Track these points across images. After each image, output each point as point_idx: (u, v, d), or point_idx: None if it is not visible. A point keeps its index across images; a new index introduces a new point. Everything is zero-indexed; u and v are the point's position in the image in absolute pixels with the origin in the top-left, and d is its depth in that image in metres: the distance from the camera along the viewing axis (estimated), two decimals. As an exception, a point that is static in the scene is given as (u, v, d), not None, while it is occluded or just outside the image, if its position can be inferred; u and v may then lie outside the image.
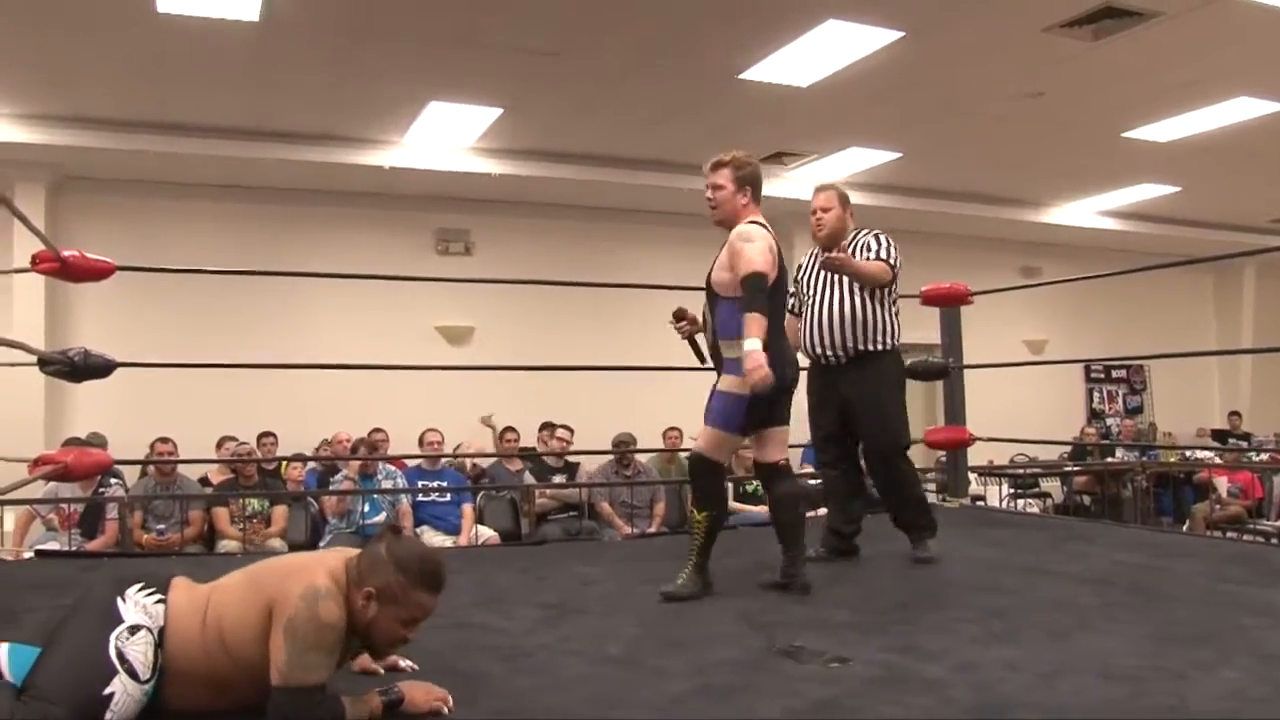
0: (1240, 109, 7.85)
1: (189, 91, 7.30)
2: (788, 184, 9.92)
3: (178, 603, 2.32)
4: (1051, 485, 10.80)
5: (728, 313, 3.75)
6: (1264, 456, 11.08)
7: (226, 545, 6.70)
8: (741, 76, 7.14)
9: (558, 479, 7.79)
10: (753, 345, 3.49)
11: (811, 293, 4.43)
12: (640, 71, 7.15)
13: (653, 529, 7.50)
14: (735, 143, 9.42)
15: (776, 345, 3.68)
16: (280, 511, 7.03)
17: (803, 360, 4.36)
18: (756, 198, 3.92)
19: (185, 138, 8.05)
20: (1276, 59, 6.88)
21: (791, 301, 4.35)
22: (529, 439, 8.62)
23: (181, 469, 7.38)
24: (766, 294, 3.61)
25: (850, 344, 4.35)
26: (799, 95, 7.45)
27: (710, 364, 3.98)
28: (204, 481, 7.70)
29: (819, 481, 4.94)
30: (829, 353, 4.40)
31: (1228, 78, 7.29)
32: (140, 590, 2.32)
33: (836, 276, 4.32)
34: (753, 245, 3.67)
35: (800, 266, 4.53)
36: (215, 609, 2.29)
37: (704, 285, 3.92)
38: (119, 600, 2.28)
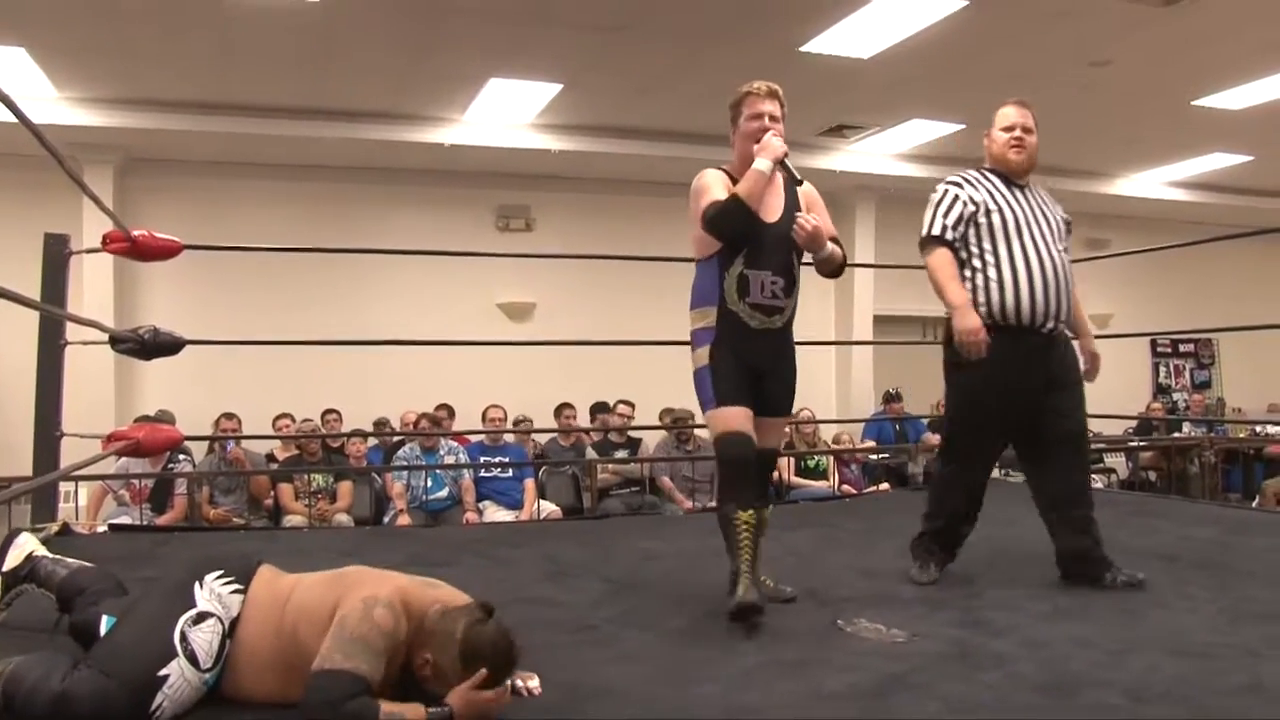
0: (1316, 75, 7.65)
1: (252, 73, 7.40)
2: (849, 157, 9.85)
3: (258, 594, 2.34)
4: (1116, 461, 10.64)
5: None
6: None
7: (293, 520, 6.82)
8: (803, 49, 7.07)
9: (620, 454, 7.83)
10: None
11: (1015, 234, 3.49)
12: (700, 46, 7.11)
13: (714, 503, 7.50)
14: (797, 116, 9.32)
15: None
16: (345, 487, 7.14)
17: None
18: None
19: (248, 118, 8.15)
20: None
21: (953, 237, 3.53)
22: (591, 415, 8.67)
23: (247, 445, 7.54)
24: None
25: (1068, 308, 3.57)
26: (860, 67, 7.37)
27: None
28: (270, 458, 7.84)
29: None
30: (1049, 322, 3.49)
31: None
32: (219, 578, 2.34)
33: (1045, 213, 3.60)
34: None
35: (971, 201, 3.52)
36: (296, 603, 2.30)
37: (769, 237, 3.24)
38: (196, 585, 2.30)
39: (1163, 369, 13.33)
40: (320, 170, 9.37)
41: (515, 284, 9.80)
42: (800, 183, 3.32)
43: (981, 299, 3.46)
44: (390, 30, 6.70)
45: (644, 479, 7.61)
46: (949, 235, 3.52)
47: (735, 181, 3.25)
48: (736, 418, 3.16)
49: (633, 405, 8.45)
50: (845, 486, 7.86)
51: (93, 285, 8.34)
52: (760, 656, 2.70)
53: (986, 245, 3.49)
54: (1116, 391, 11.44)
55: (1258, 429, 10.66)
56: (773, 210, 3.27)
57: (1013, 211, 3.51)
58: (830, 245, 3.29)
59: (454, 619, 2.22)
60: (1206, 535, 4.40)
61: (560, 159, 9.26)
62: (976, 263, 3.50)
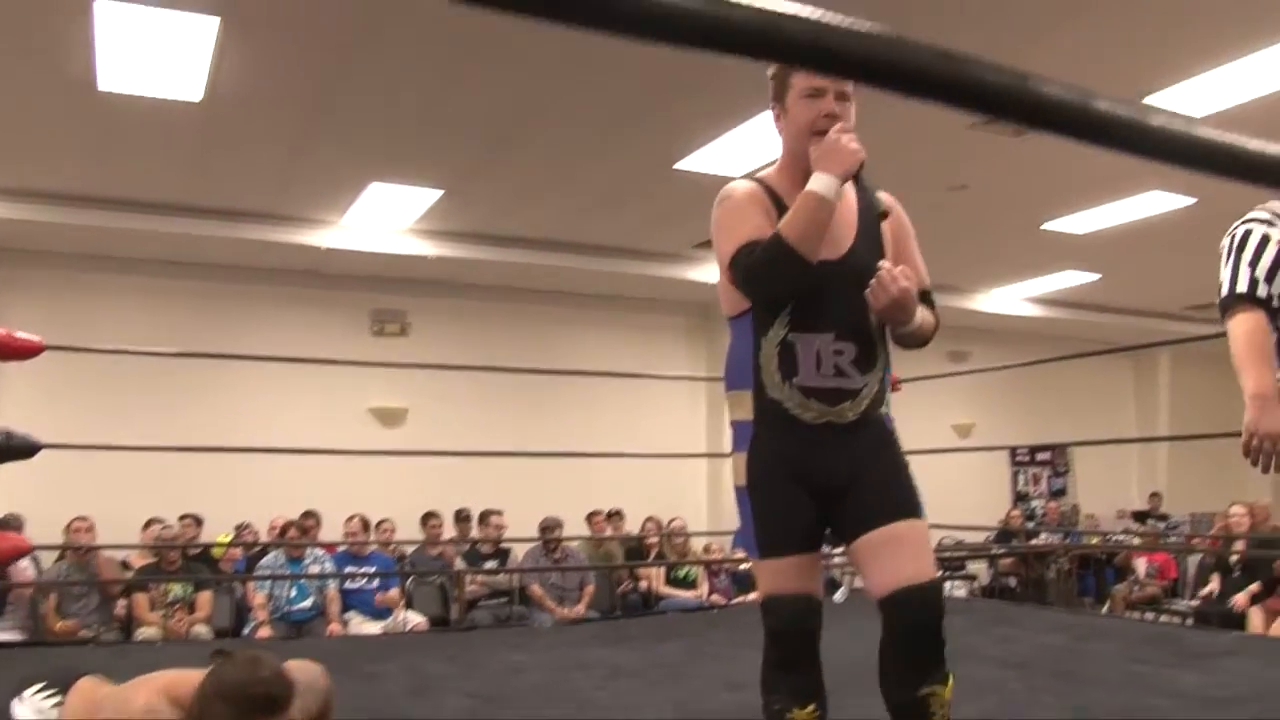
0: (1153, 203, 8.18)
1: (128, 167, 7.29)
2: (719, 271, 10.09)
3: (73, 703, 2.31)
4: (978, 567, 10.94)
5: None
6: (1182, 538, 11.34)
7: (146, 633, 6.53)
8: (677, 166, 7.29)
9: (489, 565, 7.75)
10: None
11: None
12: (580, 158, 7.28)
13: (581, 608, 7.50)
14: (671, 229, 9.62)
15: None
16: (205, 597, 6.89)
17: None
18: None
19: (123, 213, 7.99)
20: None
21: (1267, 294, 2.56)
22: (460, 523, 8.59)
23: (102, 552, 7.24)
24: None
25: None
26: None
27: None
28: (125, 566, 7.54)
29: None
30: None
31: (1140, 173, 7.60)
32: (39, 691, 2.31)
33: None
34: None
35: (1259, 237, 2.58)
36: (107, 711, 2.27)
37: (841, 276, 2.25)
38: (15, 701, 2.28)
39: (1021, 477, 13.81)
40: (195, 268, 9.22)
41: (388, 389, 9.72)
42: (884, 214, 2.33)
43: None
44: (272, 131, 6.71)
45: (513, 590, 7.54)
46: (1261, 291, 2.53)
47: (778, 202, 2.28)
48: (784, 573, 2.24)
49: (502, 514, 8.37)
50: (715, 596, 7.91)
51: (-58, 384, 8.01)
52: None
53: None
54: (979, 499, 11.86)
55: (1109, 535, 11.10)
56: (838, 241, 2.26)
57: None
58: (920, 314, 2.28)
59: (204, 683, 2.17)
60: (1059, 643, 4.56)
61: (438, 265, 9.30)
62: None
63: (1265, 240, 2.54)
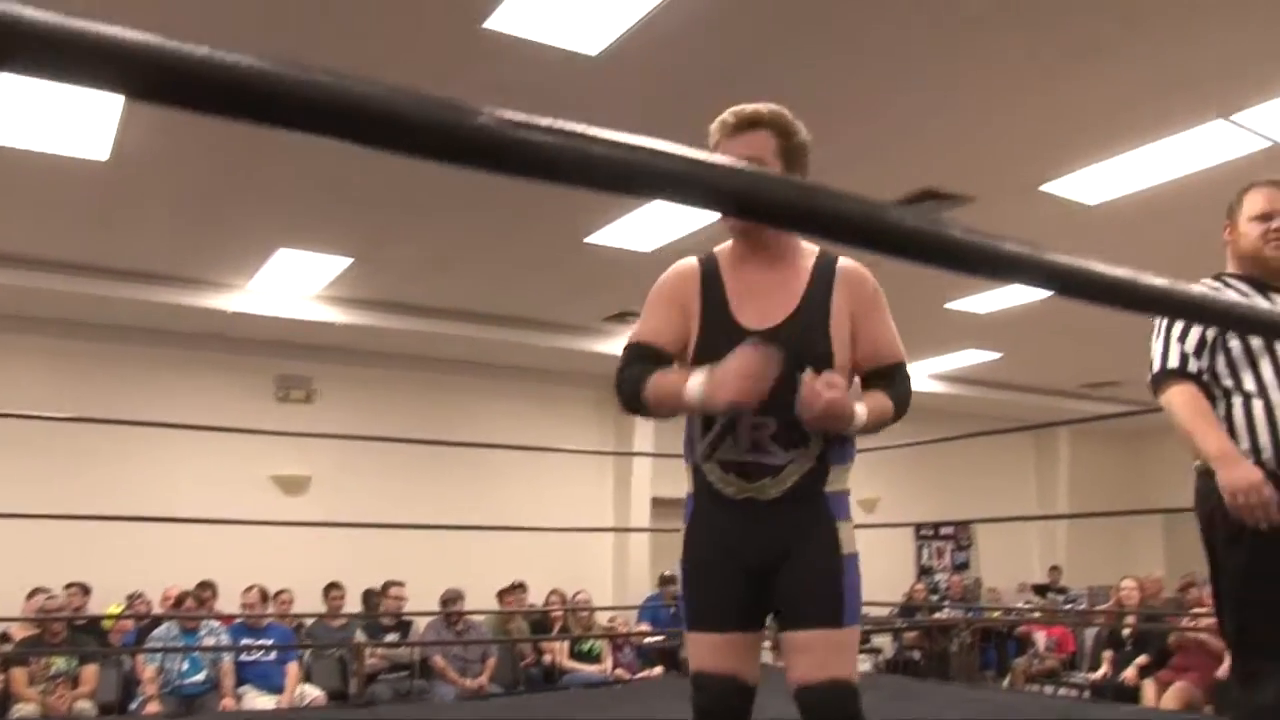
0: (1049, 286, 8.46)
1: (30, 225, 7.11)
2: (634, 343, 10.15)
3: None
4: (882, 640, 11.02)
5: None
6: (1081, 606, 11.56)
7: (23, 710, 6.25)
8: (588, 240, 7.36)
9: (390, 637, 7.61)
10: (861, 412, 2.17)
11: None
12: (491, 230, 7.31)
13: (484, 680, 7.39)
14: (581, 302, 9.62)
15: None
16: (90, 671, 6.64)
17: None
18: None
19: (25, 270, 7.77)
20: (1076, 243, 7.47)
21: (1198, 369, 2.70)
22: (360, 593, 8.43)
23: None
24: None
25: None
26: (643, 260, 7.70)
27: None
28: (3, 638, 7.22)
29: None
30: None
31: (1036, 257, 7.87)
32: None
33: None
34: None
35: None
36: None
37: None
38: None
39: (926, 551, 14.00)
40: (97, 329, 8.98)
41: (292, 456, 9.54)
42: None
43: (1245, 445, 2.58)
44: (179, 194, 6.62)
45: (414, 663, 7.40)
46: (1191, 366, 2.69)
47: (711, 282, 2.26)
48: (709, 649, 2.19)
49: (404, 585, 8.22)
50: (619, 670, 7.85)
51: None
52: None
53: (1245, 375, 2.63)
54: (884, 572, 11.98)
55: (1011, 611, 11.27)
56: (770, 312, 2.22)
57: None
58: (869, 408, 2.18)
59: None
60: (958, 718, 4.60)
61: (346, 332, 9.21)
62: (1235, 399, 2.65)
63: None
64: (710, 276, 2.26)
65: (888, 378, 2.27)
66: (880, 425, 2.20)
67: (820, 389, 2.03)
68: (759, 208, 0.61)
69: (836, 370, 2.15)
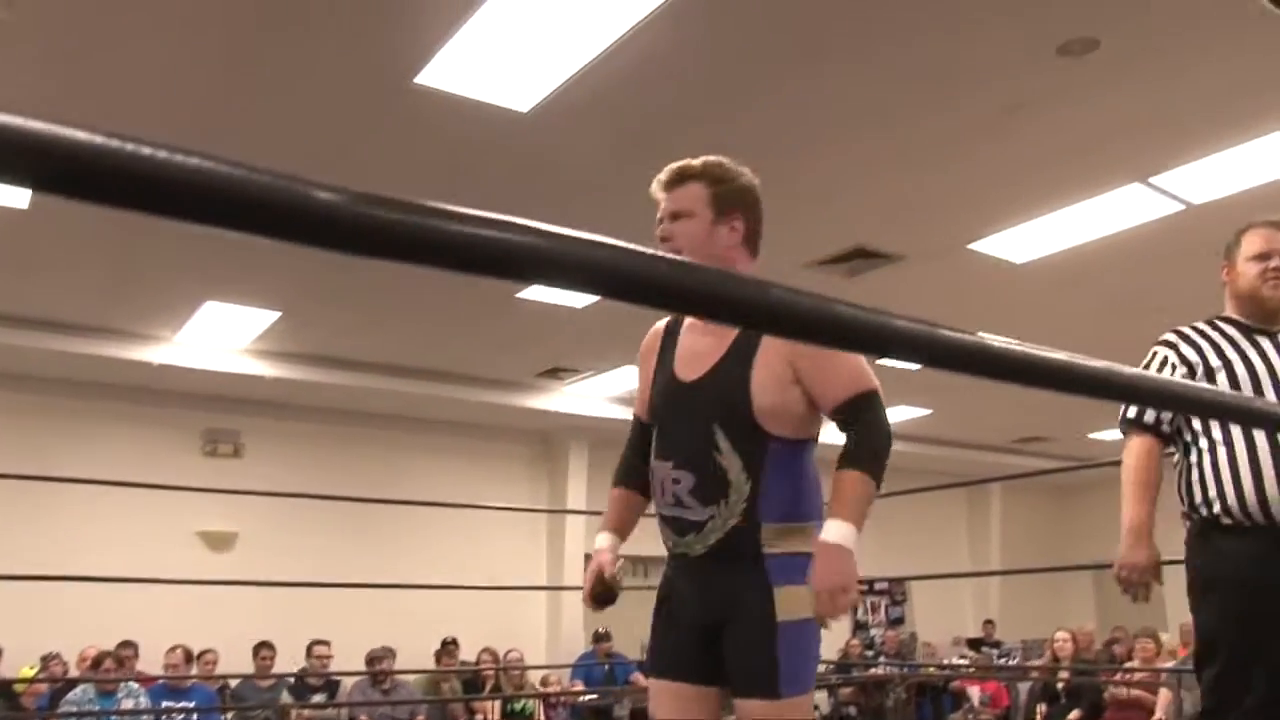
0: (977, 342, 8.57)
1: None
2: (565, 399, 10.11)
3: None
4: (819, 696, 10.98)
5: (785, 469, 2.21)
6: (1014, 661, 11.62)
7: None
8: (519, 296, 7.32)
9: (317, 698, 7.42)
10: (853, 540, 2.08)
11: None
12: (422, 285, 7.24)
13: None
14: (515, 359, 9.56)
15: None
16: (1, 736, 6.40)
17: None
18: (755, 239, 2.35)
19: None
20: (1004, 302, 7.60)
21: (1155, 419, 2.68)
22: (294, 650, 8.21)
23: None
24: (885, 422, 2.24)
25: None
26: (575, 315, 7.69)
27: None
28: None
29: None
30: None
31: (963, 318, 7.87)
32: None
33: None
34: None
35: (1184, 362, 2.69)
36: None
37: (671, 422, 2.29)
38: None
39: (860, 607, 13.99)
40: (15, 380, 8.74)
41: (218, 512, 9.31)
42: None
43: (1212, 493, 2.56)
44: (103, 243, 6.49)
45: (342, 725, 7.24)
46: (1148, 417, 2.66)
47: (670, 340, 2.37)
48: (659, 697, 2.23)
49: (329, 645, 8.02)
50: (553, 730, 7.74)
51: None
52: None
53: (1212, 424, 2.59)
54: (817, 628, 11.95)
55: (945, 663, 11.30)
56: (700, 365, 2.25)
57: (1248, 368, 2.61)
58: (843, 532, 2.09)
59: None
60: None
61: (275, 386, 9.06)
62: (1202, 443, 2.61)
63: (1164, 363, 2.69)
64: (670, 336, 2.38)
65: (853, 418, 2.19)
66: (870, 500, 2.16)
67: (826, 612, 2.04)
68: (633, 289, 0.59)
69: (766, 414, 2.15)
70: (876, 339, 0.71)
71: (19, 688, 7.30)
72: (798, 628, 2.11)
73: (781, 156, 5.35)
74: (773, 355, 2.17)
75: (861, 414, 2.18)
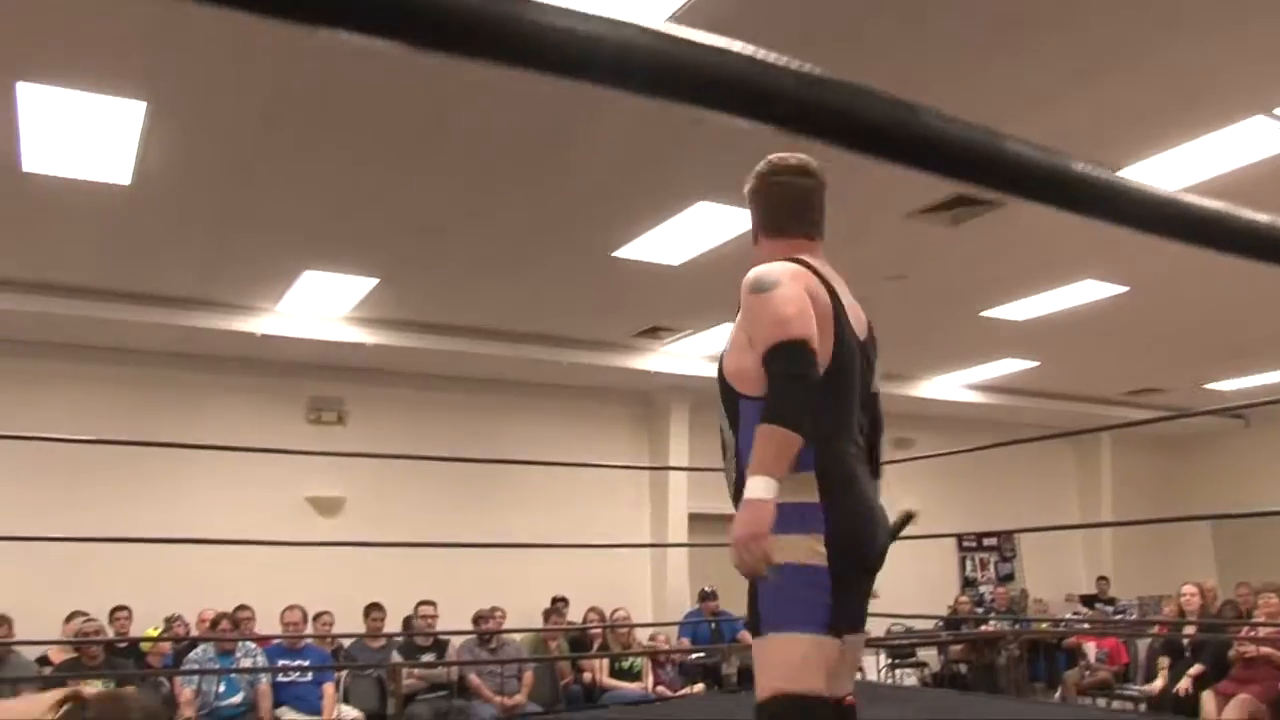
0: (1087, 291, 8.27)
1: (56, 251, 7.11)
2: (664, 358, 10.06)
3: None
4: (928, 654, 10.82)
5: (754, 422, 2.23)
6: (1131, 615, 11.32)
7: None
8: (616, 255, 7.26)
9: (426, 657, 7.52)
10: (764, 489, 2.08)
11: None
12: (519, 248, 7.23)
13: (521, 696, 7.31)
14: (611, 318, 9.54)
15: (856, 482, 2.33)
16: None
17: None
18: (789, 221, 2.53)
19: (51, 297, 7.76)
20: (1115, 246, 7.30)
21: None
22: (401, 612, 8.34)
23: (19, 650, 6.94)
24: (812, 383, 2.18)
25: None
26: (672, 273, 7.61)
27: None
28: (43, 661, 7.21)
29: None
30: None
31: (1073, 262, 7.70)
32: None
33: None
34: (772, 293, 2.28)
35: None
36: None
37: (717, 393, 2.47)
38: None
39: (969, 563, 13.75)
40: (124, 354, 8.99)
41: (325, 478, 9.49)
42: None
43: None
44: (202, 216, 6.59)
45: (451, 683, 7.31)
46: None
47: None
48: (830, 662, 2.32)
49: (435, 605, 8.11)
50: (660, 688, 7.72)
51: None
52: None
53: None
54: (926, 585, 11.79)
55: (1061, 623, 11.05)
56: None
57: None
58: (754, 485, 2.10)
59: None
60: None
61: (376, 353, 9.16)
62: None
63: None
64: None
65: (767, 372, 2.21)
66: (776, 447, 2.10)
67: (735, 561, 2.11)
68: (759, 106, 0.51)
69: (734, 376, 2.37)
70: (1049, 182, 0.61)
71: (146, 647, 7.55)
72: (790, 570, 2.19)
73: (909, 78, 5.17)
74: (738, 321, 2.38)
75: (769, 367, 2.20)
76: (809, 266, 2.38)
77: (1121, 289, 8.24)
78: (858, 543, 2.26)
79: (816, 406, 2.18)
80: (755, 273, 2.34)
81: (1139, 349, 10.34)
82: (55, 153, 5.49)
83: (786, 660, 2.19)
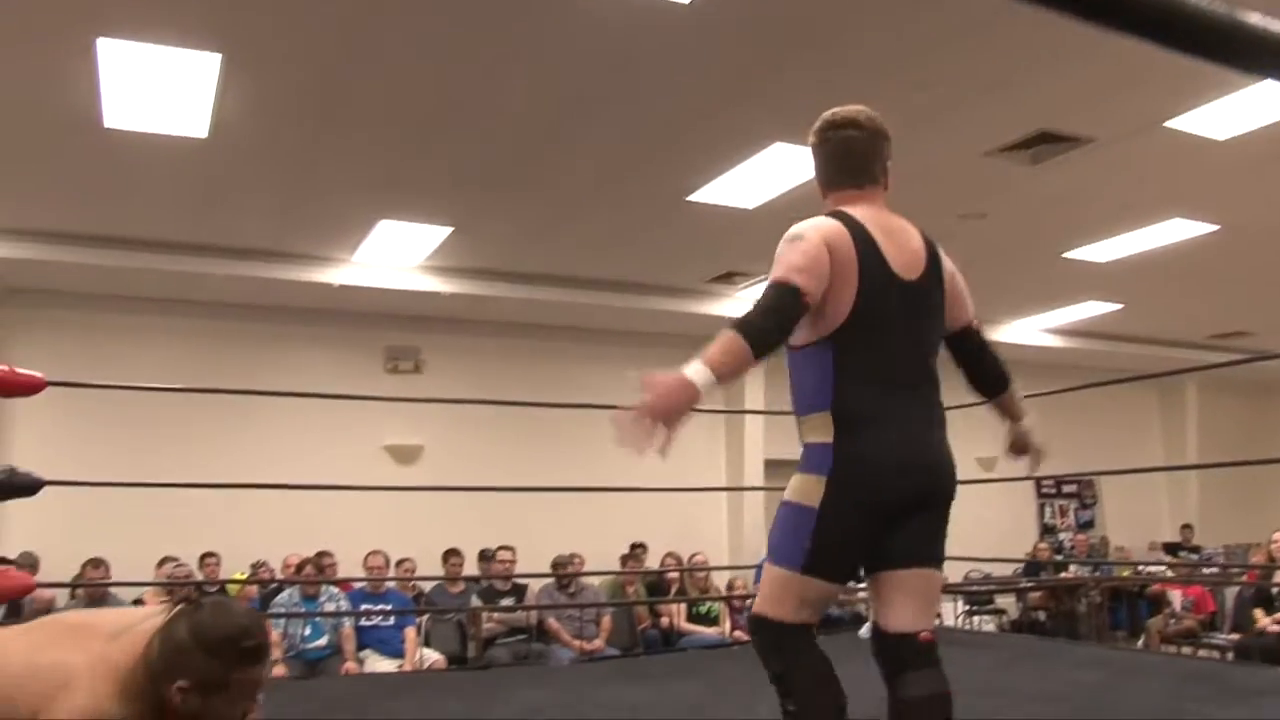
0: (1174, 230, 8.04)
1: (136, 205, 7.25)
2: (738, 304, 9.99)
3: None
4: (1006, 601, 10.72)
5: (798, 370, 2.48)
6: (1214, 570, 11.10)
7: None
8: (690, 199, 7.20)
9: (505, 602, 7.63)
10: (695, 373, 2.28)
11: None
12: (590, 194, 7.21)
13: (600, 641, 7.39)
14: (684, 263, 9.47)
15: (877, 422, 2.35)
16: (218, 637, 6.78)
17: None
18: (837, 175, 2.59)
19: (132, 251, 7.94)
20: (1205, 182, 7.08)
21: None
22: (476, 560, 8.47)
23: (115, 591, 7.16)
24: (784, 321, 2.32)
25: None
26: (747, 217, 7.53)
27: None
28: (138, 604, 7.45)
29: None
30: None
31: (1161, 201, 7.48)
32: None
33: None
34: (792, 245, 2.37)
35: None
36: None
37: None
38: None
39: (1048, 509, 13.58)
40: (204, 306, 9.18)
41: (403, 426, 9.63)
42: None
43: None
44: (278, 169, 6.66)
45: (530, 626, 7.41)
46: None
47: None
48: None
49: (513, 550, 8.21)
50: (737, 632, 7.75)
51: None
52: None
53: None
54: (1005, 532, 11.65)
55: (1140, 568, 10.87)
56: None
57: None
58: (695, 367, 2.31)
59: (174, 635, 1.99)
60: (1094, 679, 4.39)
61: (451, 301, 9.22)
62: None
63: None
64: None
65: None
66: (726, 347, 2.27)
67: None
68: None
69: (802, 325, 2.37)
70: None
71: (233, 590, 7.75)
72: (788, 508, 2.38)
73: (959, 41, 5.04)
74: None
75: (760, 297, 2.35)
76: (847, 217, 2.42)
77: (1212, 228, 7.99)
78: (863, 483, 2.30)
79: (836, 350, 2.34)
80: (791, 230, 2.43)
81: (1228, 290, 10.05)
82: (134, 108, 5.56)
83: (769, 587, 2.39)
